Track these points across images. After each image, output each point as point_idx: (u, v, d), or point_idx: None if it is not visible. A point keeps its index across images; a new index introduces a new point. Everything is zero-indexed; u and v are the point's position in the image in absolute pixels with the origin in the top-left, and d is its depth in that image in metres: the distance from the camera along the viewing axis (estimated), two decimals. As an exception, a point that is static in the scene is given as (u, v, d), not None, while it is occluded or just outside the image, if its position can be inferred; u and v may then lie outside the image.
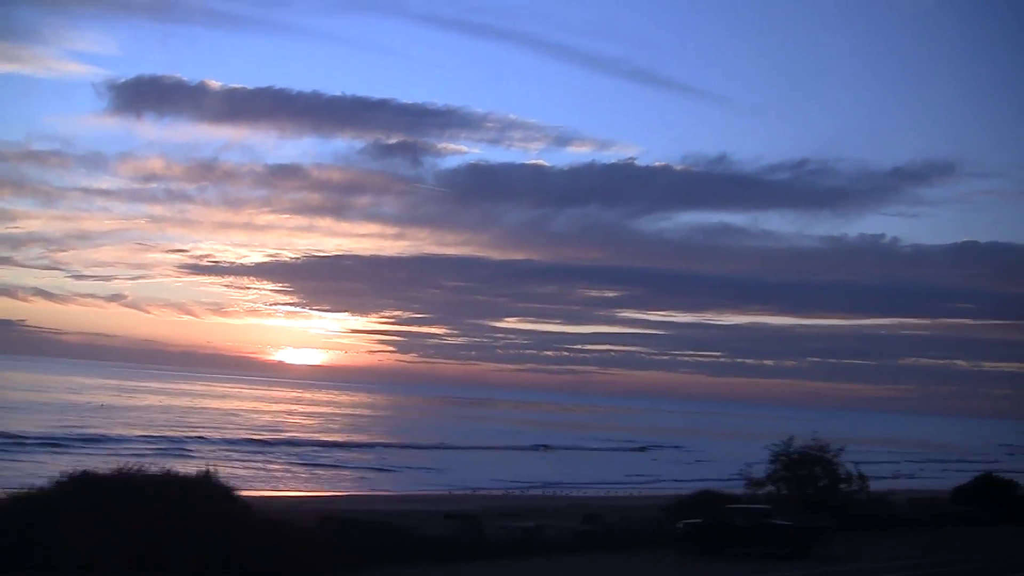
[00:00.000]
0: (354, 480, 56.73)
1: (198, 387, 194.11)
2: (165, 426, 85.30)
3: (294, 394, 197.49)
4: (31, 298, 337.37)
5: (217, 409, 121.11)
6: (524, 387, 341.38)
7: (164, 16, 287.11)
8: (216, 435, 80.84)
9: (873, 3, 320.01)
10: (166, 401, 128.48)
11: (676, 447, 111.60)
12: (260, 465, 61.56)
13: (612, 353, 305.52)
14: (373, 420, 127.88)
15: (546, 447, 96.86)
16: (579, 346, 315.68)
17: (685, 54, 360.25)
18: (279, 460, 65.65)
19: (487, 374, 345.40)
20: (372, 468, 64.45)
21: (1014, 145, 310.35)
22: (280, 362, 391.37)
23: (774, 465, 32.10)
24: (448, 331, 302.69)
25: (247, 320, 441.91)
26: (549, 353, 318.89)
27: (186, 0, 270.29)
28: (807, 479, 31.37)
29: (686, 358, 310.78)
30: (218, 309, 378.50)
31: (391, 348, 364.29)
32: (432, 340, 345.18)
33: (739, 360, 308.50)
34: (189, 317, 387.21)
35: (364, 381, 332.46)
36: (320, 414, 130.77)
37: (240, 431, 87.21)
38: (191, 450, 67.15)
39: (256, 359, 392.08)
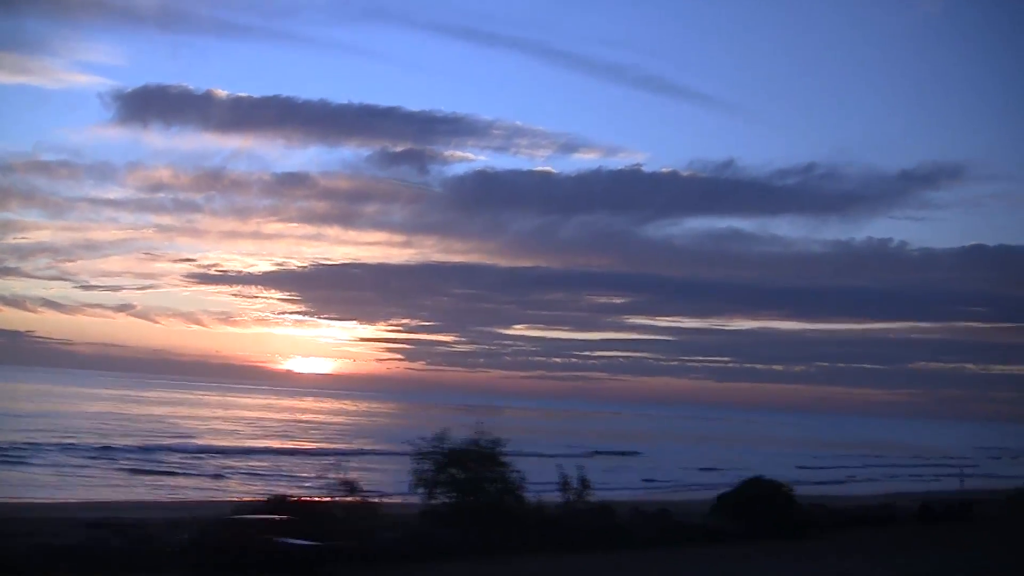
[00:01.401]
0: (154, 487, 51.19)
1: (176, 395, 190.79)
2: (45, 432, 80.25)
3: (268, 402, 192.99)
4: (39, 309, 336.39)
5: (149, 416, 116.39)
6: (533, 394, 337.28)
7: (170, 26, 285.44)
8: (92, 441, 75.67)
9: (880, 8, 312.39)
10: (104, 408, 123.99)
11: (635, 453, 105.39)
12: (81, 471, 56.49)
13: (621, 359, 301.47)
14: (321, 427, 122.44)
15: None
16: (588, 352, 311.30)
17: (691, 60, 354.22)
18: (112, 467, 60.26)
19: (496, 381, 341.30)
20: (210, 475, 58.96)
21: (1023, 148, 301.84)
22: (288, 371, 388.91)
23: (422, 465, 25.77)
24: (456, 339, 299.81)
25: (255, 329, 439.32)
26: (558, 360, 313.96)
27: (192, 10, 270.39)
28: (472, 484, 24.97)
29: (695, 364, 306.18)
30: (226, 318, 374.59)
31: (399, 356, 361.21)
32: (440, 348, 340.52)
33: (748, 365, 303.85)
34: (197, 327, 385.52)
35: (368, 389, 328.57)
36: (267, 421, 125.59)
37: (131, 438, 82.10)
38: (30, 457, 62.24)
39: (264, 368, 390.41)
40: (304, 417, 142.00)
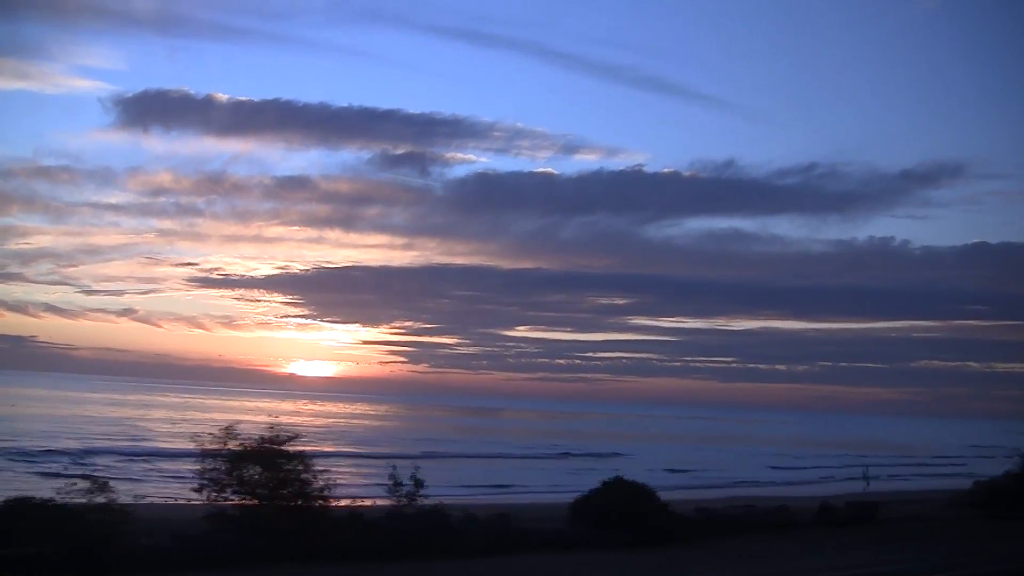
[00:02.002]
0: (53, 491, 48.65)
1: (163, 399, 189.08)
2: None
3: (257, 405, 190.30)
4: (42, 314, 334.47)
5: (119, 418, 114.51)
6: (536, 396, 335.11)
7: (170, 30, 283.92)
8: (38, 444, 73.53)
9: (879, 6, 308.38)
10: (79, 412, 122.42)
11: (616, 455, 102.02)
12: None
13: (624, 360, 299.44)
14: (293, 430, 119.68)
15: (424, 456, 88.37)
16: (591, 354, 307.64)
17: (691, 60, 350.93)
18: (31, 470, 57.93)
19: (499, 383, 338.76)
20: (123, 478, 56.24)
21: (1023, 145, 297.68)
22: (292, 375, 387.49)
23: (209, 463, 23.07)
24: (459, 341, 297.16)
25: (258, 333, 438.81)
26: (561, 361, 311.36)
27: (192, 14, 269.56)
28: (265, 483, 22.17)
29: (698, 364, 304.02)
30: (229, 322, 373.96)
31: (402, 359, 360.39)
32: (443, 350, 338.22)
33: (751, 365, 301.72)
34: (200, 331, 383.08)
35: (370, 392, 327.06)
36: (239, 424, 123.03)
37: (80, 441, 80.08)
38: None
39: (268, 372, 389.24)
40: (283, 419, 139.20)
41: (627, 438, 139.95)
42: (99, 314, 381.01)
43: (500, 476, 69.74)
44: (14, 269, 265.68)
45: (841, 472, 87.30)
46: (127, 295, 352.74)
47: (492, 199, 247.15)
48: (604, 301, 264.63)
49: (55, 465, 61.21)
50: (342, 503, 23.98)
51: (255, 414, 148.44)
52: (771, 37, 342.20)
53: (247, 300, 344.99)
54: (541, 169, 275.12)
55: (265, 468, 22.33)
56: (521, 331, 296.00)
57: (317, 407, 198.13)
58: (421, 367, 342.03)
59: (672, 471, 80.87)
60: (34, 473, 56.34)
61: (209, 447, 23.23)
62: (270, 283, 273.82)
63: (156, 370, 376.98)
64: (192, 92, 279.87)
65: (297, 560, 20.91)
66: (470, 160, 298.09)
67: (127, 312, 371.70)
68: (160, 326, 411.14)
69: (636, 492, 26.45)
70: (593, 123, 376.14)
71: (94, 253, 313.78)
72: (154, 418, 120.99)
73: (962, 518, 34.27)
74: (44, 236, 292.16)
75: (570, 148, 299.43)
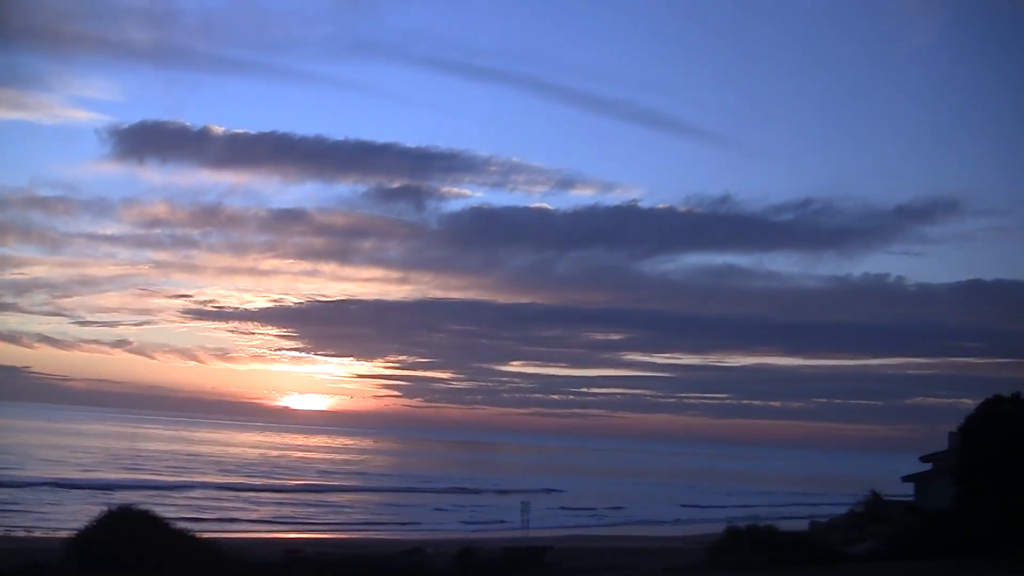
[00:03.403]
0: None
1: (125, 429, 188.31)
2: None
3: (218, 436, 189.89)
4: (36, 344, 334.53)
5: (53, 445, 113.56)
6: (530, 431, 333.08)
7: (167, 62, 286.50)
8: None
9: (875, 41, 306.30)
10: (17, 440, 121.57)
11: (546, 490, 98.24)
12: None
13: (619, 396, 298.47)
14: (223, 461, 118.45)
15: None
16: (585, 389, 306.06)
17: (688, 96, 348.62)
18: None
19: (493, 418, 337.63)
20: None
21: (1018, 182, 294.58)
22: (285, 408, 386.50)
23: None
24: (454, 375, 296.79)
25: (252, 366, 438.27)
26: (555, 396, 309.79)
27: (189, 46, 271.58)
28: None
29: (693, 400, 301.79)
30: (223, 355, 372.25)
31: (397, 393, 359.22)
32: (438, 384, 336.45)
33: (745, 402, 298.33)
34: (194, 363, 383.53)
35: (361, 426, 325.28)
36: (169, 455, 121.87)
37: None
38: None
39: (261, 405, 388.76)
40: (232, 451, 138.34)
41: (577, 473, 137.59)
42: (93, 345, 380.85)
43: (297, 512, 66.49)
44: (8, 299, 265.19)
45: (767, 511, 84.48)
46: (121, 326, 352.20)
47: (487, 234, 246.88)
48: (599, 336, 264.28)
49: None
50: None
51: (208, 446, 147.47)
52: (767, 73, 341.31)
53: (241, 333, 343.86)
54: (536, 204, 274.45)
55: None
56: (516, 366, 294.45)
57: (286, 439, 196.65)
58: (415, 401, 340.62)
59: (568, 509, 77.97)
60: None
61: None
62: (265, 316, 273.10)
63: (149, 402, 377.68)
64: (188, 124, 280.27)
65: None
66: (466, 195, 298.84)
67: (121, 343, 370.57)
68: (154, 358, 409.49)
69: (145, 526, 22.05)
70: (589, 158, 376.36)
71: (89, 284, 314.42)
72: (92, 446, 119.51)
73: (698, 566, 30.92)
74: (39, 266, 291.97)
75: (566, 183, 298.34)
